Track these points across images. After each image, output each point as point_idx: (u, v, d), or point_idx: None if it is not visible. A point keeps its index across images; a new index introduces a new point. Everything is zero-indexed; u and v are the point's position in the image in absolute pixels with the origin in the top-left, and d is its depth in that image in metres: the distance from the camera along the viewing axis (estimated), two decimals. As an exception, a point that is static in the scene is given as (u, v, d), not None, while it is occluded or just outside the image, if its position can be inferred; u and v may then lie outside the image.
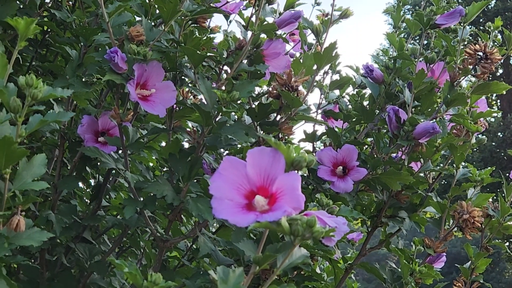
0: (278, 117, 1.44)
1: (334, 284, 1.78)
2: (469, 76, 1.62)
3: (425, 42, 1.68)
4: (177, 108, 1.47)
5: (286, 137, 1.59)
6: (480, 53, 1.57)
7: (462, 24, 1.63)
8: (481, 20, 15.82)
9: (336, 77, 1.90)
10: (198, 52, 1.31)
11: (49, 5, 1.64)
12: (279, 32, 1.53)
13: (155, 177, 1.52)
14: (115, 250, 1.68)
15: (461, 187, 1.74)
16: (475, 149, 10.29)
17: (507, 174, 1.85)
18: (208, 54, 1.40)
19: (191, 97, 1.58)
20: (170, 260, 1.89)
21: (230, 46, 1.42)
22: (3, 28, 1.55)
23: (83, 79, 1.41)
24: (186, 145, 1.65)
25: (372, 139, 1.72)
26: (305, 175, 1.59)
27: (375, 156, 1.62)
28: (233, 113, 1.63)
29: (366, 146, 1.79)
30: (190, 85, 1.51)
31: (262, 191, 0.75)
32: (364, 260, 1.75)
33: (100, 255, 1.56)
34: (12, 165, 0.96)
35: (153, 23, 1.43)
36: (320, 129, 1.79)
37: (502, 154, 15.05)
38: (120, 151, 1.49)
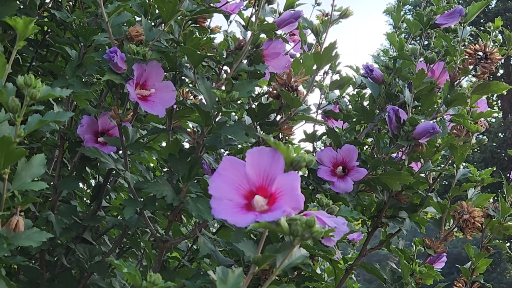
0: (278, 117, 1.43)
1: (334, 284, 1.78)
2: (469, 76, 1.62)
3: (425, 42, 1.68)
4: (177, 108, 1.47)
5: (286, 137, 1.59)
6: (480, 53, 1.57)
7: (462, 24, 1.63)
8: (481, 20, 15.82)
9: (336, 77, 1.90)
10: (197, 52, 1.31)
11: (49, 5, 1.64)
12: (279, 32, 1.53)
13: (155, 178, 1.51)
14: (115, 250, 1.68)
15: (461, 187, 1.74)
16: (475, 150, 10.30)
17: (508, 175, 1.85)
18: (208, 54, 1.40)
19: (191, 97, 1.57)
20: (171, 260, 1.89)
21: (229, 46, 1.42)
22: (3, 28, 1.55)
23: (83, 79, 1.41)
24: (186, 145, 1.65)
25: (372, 139, 1.72)
26: (305, 175, 1.59)
27: (375, 156, 1.62)
28: (233, 113, 1.63)
29: (366, 146, 1.79)
30: (189, 85, 1.51)
31: (261, 191, 0.75)
32: (364, 260, 1.75)
33: (100, 256, 1.56)
34: (11, 165, 0.96)
35: (152, 23, 1.43)
36: (320, 129, 1.79)
37: (503, 154, 15.06)
38: (120, 152, 1.49)
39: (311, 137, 1.74)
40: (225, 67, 1.45)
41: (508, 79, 16.39)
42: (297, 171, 0.76)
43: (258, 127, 1.44)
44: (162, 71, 1.31)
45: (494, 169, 1.84)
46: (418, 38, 1.77)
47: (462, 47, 1.63)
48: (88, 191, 1.94)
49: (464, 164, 1.78)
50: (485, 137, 1.81)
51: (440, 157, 1.74)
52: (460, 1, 13.80)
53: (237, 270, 0.75)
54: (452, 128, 1.77)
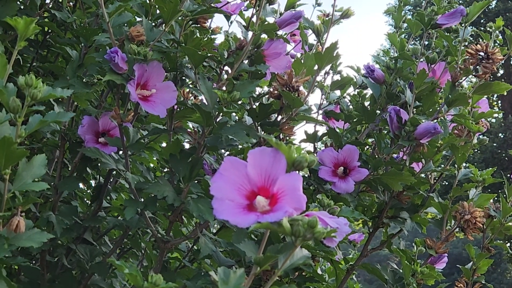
0: (279, 118, 1.43)
1: (335, 285, 1.78)
2: (471, 76, 1.62)
3: (426, 42, 1.68)
4: (178, 109, 1.47)
5: (287, 138, 1.59)
6: (482, 53, 1.57)
7: (463, 24, 1.63)
8: (482, 21, 15.83)
9: (337, 77, 1.90)
10: (198, 52, 1.31)
11: (50, 5, 1.64)
12: (280, 32, 1.53)
13: (156, 178, 1.51)
14: (116, 251, 1.68)
15: (462, 187, 1.73)
16: (476, 150, 10.29)
17: (509, 175, 1.86)
18: (209, 54, 1.39)
19: (192, 97, 1.57)
20: (171, 261, 1.89)
21: (230, 46, 1.42)
22: (3, 29, 1.55)
23: (84, 80, 1.41)
24: (187, 145, 1.65)
25: (373, 139, 1.72)
26: (306, 175, 1.59)
27: (377, 156, 1.62)
28: (234, 114, 1.63)
29: (367, 147, 1.78)
30: (190, 85, 1.51)
31: (263, 191, 0.75)
32: (365, 261, 1.74)
33: (101, 256, 1.56)
34: (12, 165, 0.96)
35: (153, 23, 1.43)
36: (321, 129, 1.78)
37: (504, 154, 15.06)
38: (120, 152, 1.49)
39: (312, 138, 1.74)
40: (226, 68, 1.45)
41: (509, 79, 16.38)
42: (298, 172, 0.76)
43: (259, 127, 1.44)
44: (163, 71, 1.31)
45: (495, 169, 1.84)
46: (419, 38, 1.77)
47: (463, 47, 1.63)
48: (88, 191, 1.94)
49: (465, 164, 1.78)
50: (486, 137, 1.81)
51: (441, 157, 1.74)
52: (461, 1, 13.80)
53: (239, 271, 0.75)
54: (453, 128, 1.77)
